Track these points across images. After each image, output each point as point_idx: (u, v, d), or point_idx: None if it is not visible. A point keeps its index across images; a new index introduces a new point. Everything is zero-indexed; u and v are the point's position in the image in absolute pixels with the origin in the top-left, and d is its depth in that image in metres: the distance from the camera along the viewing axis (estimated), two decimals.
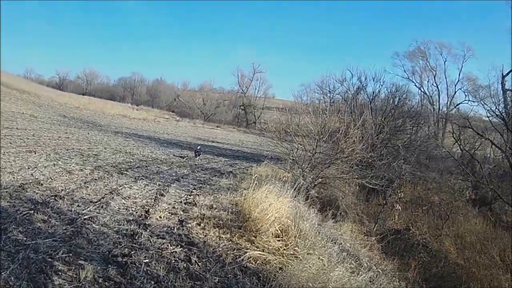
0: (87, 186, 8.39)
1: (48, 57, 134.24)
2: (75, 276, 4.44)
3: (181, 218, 7.19)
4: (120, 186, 9.04)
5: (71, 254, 4.88)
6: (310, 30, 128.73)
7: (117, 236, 5.79)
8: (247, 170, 15.72)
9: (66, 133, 17.96)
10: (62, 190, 7.74)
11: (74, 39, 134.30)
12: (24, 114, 21.77)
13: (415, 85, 50.44)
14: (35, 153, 11.17)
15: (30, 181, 7.96)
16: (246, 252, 5.70)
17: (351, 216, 14.04)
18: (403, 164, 17.77)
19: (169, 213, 7.49)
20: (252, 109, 68.98)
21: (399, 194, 17.27)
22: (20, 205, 6.31)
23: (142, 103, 67.92)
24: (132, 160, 13.70)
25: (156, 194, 8.88)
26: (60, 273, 4.45)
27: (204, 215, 7.49)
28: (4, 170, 8.41)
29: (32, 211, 6.09)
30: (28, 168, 9.17)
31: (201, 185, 10.95)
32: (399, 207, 16.82)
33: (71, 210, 6.55)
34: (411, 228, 15.14)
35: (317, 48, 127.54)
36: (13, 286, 4.06)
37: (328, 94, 49.90)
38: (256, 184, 8.77)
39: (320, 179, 13.73)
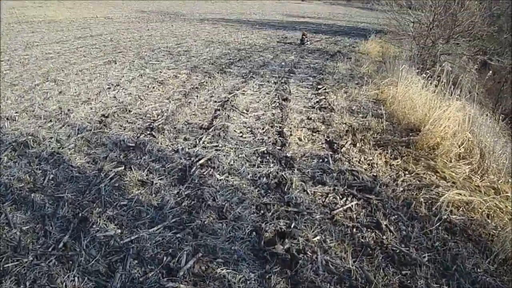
0: (189, 102, 6.05)
1: None
2: None
3: (327, 137, 4.98)
4: (230, 93, 6.67)
5: (200, 255, 2.71)
6: None
7: (257, 191, 3.57)
8: (354, 47, 13.75)
9: (148, 30, 15.65)
10: (158, 115, 5.44)
11: None
12: (97, 18, 19.27)
13: None
14: (115, 63, 8.81)
15: (113, 108, 5.63)
16: (438, 194, 3.61)
17: (477, 97, 12.13)
18: None
19: (308, 129, 5.25)
20: None
21: None
22: (103, 159, 4.04)
23: None
24: (229, 52, 11.26)
25: (278, 98, 6.58)
26: None
27: (351, 126, 5.38)
28: (78, 98, 6.09)
29: (123, 167, 3.84)
30: (109, 88, 6.76)
31: (321, 75, 8.73)
32: None
33: (177, 151, 4.30)
34: None
35: None
36: None
37: None
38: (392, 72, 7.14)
39: (440, 56, 11.88)
